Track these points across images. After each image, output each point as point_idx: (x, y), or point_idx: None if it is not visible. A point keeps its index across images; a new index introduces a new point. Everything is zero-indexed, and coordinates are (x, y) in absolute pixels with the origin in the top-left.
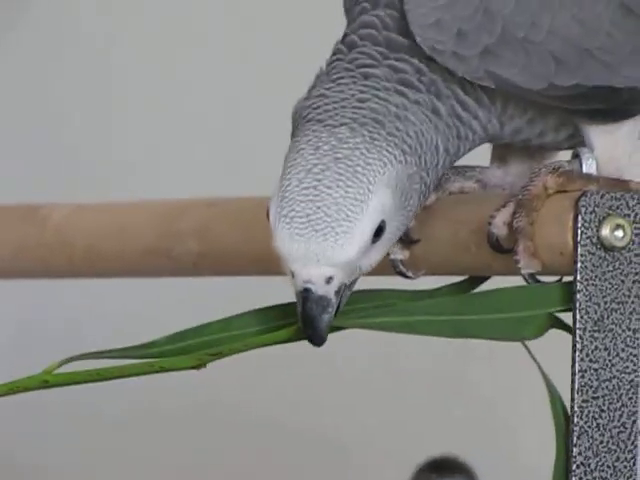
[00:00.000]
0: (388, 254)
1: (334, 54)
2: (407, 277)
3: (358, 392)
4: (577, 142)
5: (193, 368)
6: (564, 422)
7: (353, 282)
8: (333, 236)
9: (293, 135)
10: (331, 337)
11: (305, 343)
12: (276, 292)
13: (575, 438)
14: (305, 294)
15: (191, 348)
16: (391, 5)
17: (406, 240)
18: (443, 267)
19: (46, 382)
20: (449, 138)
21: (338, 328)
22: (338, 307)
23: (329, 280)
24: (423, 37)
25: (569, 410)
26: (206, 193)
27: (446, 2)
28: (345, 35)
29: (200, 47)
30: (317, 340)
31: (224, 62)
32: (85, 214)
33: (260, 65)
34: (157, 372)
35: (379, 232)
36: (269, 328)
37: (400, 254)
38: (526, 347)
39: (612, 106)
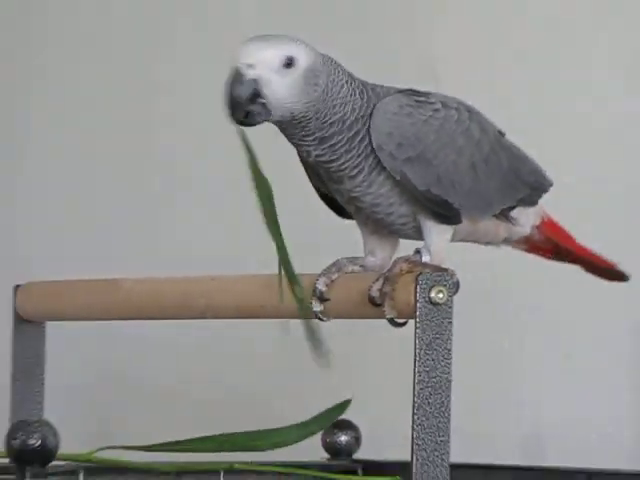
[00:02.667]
0: (312, 309)
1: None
2: (323, 320)
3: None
4: (418, 237)
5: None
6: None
7: (267, 109)
8: (263, 44)
9: None
10: None
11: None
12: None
13: (415, 409)
14: (233, 75)
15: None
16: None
17: (322, 299)
18: (344, 314)
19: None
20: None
21: None
22: (253, 111)
23: (250, 66)
24: (376, 138)
25: (412, 395)
26: (210, 272)
27: (396, 124)
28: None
29: (204, 132)
30: (233, 111)
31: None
32: (144, 284)
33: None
34: None
35: (289, 63)
36: None
37: (319, 307)
38: None
39: (448, 214)
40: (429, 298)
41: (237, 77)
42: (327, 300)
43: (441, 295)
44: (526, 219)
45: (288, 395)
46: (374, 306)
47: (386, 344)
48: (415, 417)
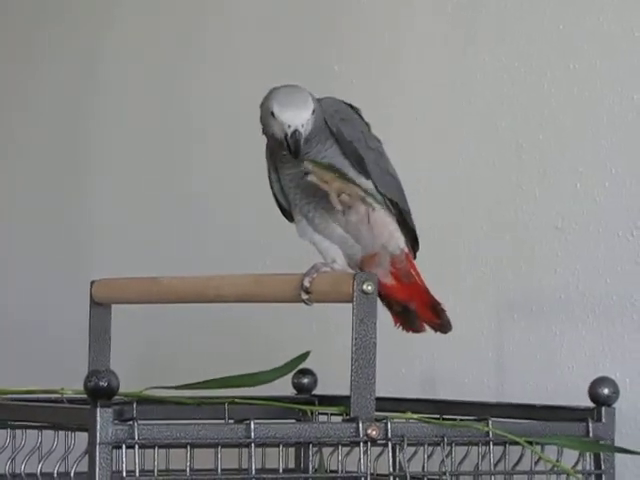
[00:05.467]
0: (304, 301)
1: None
2: (308, 305)
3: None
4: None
5: None
6: None
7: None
8: (304, 110)
9: None
10: None
11: None
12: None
13: (353, 361)
14: (293, 131)
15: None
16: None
17: (307, 292)
18: (320, 300)
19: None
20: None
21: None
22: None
23: (302, 125)
24: (324, 109)
25: (351, 352)
26: (220, 271)
27: (335, 103)
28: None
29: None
30: (297, 148)
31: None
32: (175, 280)
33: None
34: None
35: (313, 112)
36: None
37: (305, 297)
38: None
39: (362, 166)
40: (362, 289)
41: (298, 135)
42: (310, 293)
43: (370, 287)
44: (400, 237)
45: (272, 350)
46: (306, 293)
47: (339, 320)
48: (353, 367)
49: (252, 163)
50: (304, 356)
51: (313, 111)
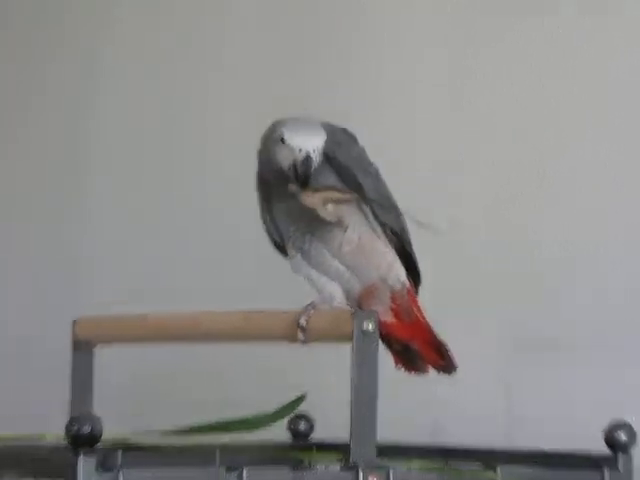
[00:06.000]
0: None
1: None
2: (304, 343)
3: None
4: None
5: None
6: None
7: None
8: (317, 137)
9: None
10: None
11: None
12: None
13: (353, 404)
14: (305, 156)
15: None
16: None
17: (303, 330)
18: (318, 339)
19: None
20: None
21: None
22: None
23: (314, 151)
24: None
25: (350, 393)
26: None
27: (330, 127)
28: None
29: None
30: (308, 175)
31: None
32: (162, 318)
33: None
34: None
35: (324, 142)
36: None
37: (302, 337)
38: None
39: (359, 194)
40: (362, 328)
41: (310, 161)
42: (306, 331)
43: (371, 326)
44: (400, 269)
45: (268, 394)
46: (301, 330)
47: (337, 360)
48: (353, 412)
49: (252, 165)
50: (300, 400)
51: (325, 141)
